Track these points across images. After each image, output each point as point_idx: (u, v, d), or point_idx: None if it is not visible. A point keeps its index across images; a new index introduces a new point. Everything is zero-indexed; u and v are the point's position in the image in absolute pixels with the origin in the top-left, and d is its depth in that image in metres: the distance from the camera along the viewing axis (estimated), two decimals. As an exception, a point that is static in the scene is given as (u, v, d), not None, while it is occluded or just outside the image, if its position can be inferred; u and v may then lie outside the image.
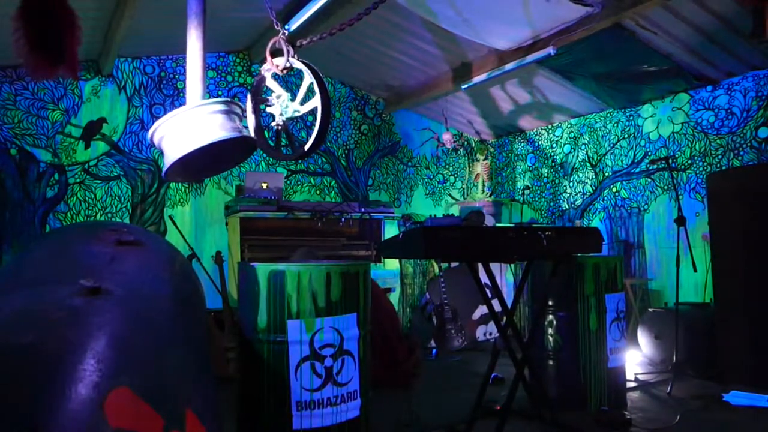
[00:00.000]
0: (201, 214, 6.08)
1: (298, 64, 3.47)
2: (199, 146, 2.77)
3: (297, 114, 3.58)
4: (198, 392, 1.64)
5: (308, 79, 3.44)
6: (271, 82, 3.70)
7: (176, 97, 5.96)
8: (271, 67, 3.61)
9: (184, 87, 5.94)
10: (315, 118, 3.36)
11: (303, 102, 3.57)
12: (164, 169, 2.90)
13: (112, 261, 1.90)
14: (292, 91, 3.72)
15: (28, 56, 2.06)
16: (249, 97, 3.75)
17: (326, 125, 3.36)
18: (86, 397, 1.19)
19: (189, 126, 2.83)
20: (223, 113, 2.92)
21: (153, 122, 5.69)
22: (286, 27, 3.84)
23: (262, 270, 2.61)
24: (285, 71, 3.58)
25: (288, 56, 3.48)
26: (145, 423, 1.23)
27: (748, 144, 5.20)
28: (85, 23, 4.51)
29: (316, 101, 3.36)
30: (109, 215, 5.63)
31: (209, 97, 3.29)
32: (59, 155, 5.42)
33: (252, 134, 3.76)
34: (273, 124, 3.66)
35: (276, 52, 3.60)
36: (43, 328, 1.38)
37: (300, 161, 6.62)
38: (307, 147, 3.37)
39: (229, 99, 3.10)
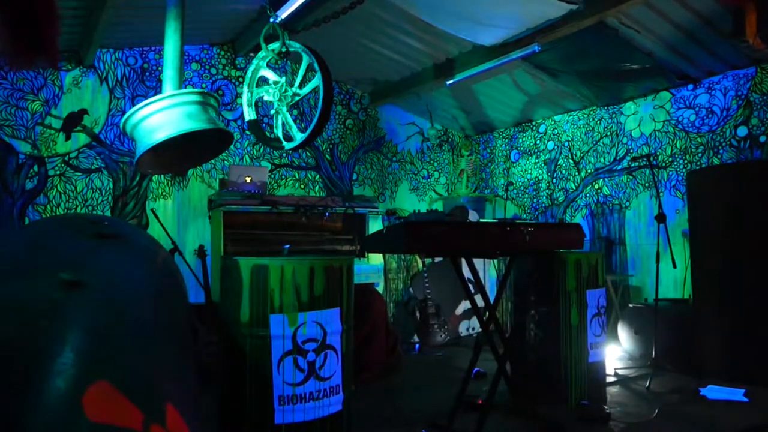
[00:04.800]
0: (184, 208, 6.03)
1: (295, 45, 3.44)
2: (171, 136, 2.72)
3: (297, 98, 3.54)
4: (179, 386, 1.63)
5: (307, 59, 3.40)
6: (265, 71, 3.66)
7: (159, 90, 5.88)
8: (266, 53, 3.57)
9: (167, 79, 5.90)
10: (310, 107, 3.35)
11: (302, 84, 3.53)
12: (135, 159, 2.85)
13: (92, 254, 1.88)
14: (288, 77, 3.68)
15: (5, 45, 2.03)
16: (245, 88, 3.70)
17: (330, 104, 3.33)
18: (64, 391, 1.18)
19: (161, 116, 2.78)
20: (198, 104, 2.86)
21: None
22: (277, 14, 3.81)
23: (245, 264, 2.60)
24: (281, 55, 3.54)
25: (284, 39, 3.45)
26: (124, 417, 1.22)
27: (728, 142, 5.27)
28: (66, 12, 4.47)
29: (316, 80, 3.33)
30: (90, 208, 5.56)
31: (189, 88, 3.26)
32: (39, 147, 5.34)
33: (247, 126, 3.72)
34: (272, 111, 3.62)
35: (270, 38, 3.56)
36: (20, 321, 1.36)
37: (285, 155, 6.59)
38: (313, 123, 3.32)
39: (205, 90, 3.04)
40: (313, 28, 3.69)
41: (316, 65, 3.31)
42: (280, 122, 3.64)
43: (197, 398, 1.90)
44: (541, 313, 3.81)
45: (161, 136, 2.71)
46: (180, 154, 3.06)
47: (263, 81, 3.71)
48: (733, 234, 4.35)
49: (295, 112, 6.53)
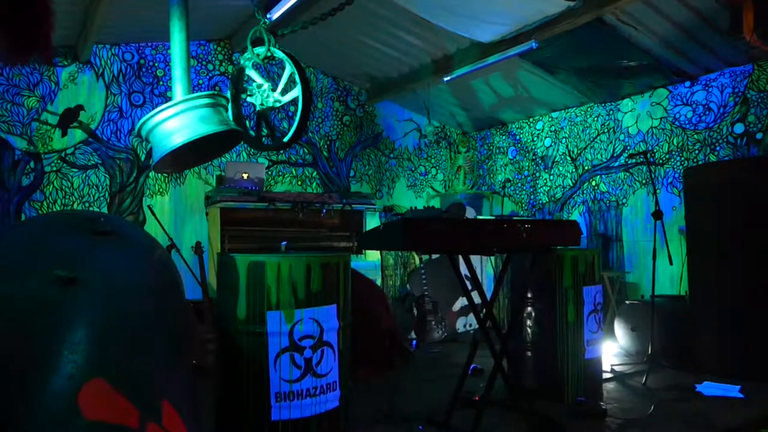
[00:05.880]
0: (181, 204, 6.02)
1: (279, 54, 3.45)
2: (188, 140, 2.79)
3: (278, 104, 3.56)
4: (175, 383, 1.63)
5: (289, 69, 3.42)
6: (251, 72, 3.66)
7: (155, 85, 5.88)
8: (251, 56, 3.58)
9: (164, 75, 5.89)
10: (296, 109, 3.35)
11: (284, 92, 3.54)
12: (153, 162, 2.91)
13: (89, 251, 1.87)
14: (274, 80, 3.70)
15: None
16: (230, 86, 3.72)
17: (306, 116, 3.35)
18: (60, 388, 1.18)
19: (177, 120, 2.85)
20: (210, 107, 2.93)
21: (132, 111, 5.61)
22: (268, 16, 3.81)
23: (242, 261, 2.60)
24: (266, 60, 3.55)
25: (269, 45, 3.46)
26: (120, 414, 1.22)
27: (724, 139, 5.28)
28: (62, 8, 4.45)
29: (296, 91, 3.35)
30: (87, 204, 5.55)
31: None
32: (35, 143, 5.32)
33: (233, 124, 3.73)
34: (253, 113, 3.64)
35: (257, 41, 3.57)
36: (16, 318, 1.36)
37: (282, 152, 6.58)
38: (286, 138, 3.36)
39: (215, 92, 3.13)
40: (301, 31, 3.68)
41: (297, 76, 3.32)
42: (262, 125, 3.67)
43: (194, 395, 1.90)
44: (538, 310, 3.81)
45: (178, 140, 2.79)
46: (192, 153, 3.11)
47: (249, 83, 3.72)
48: (729, 231, 4.37)
49: (292, 108, 6.51)
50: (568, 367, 3.70)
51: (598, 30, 4.73)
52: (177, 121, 2.84)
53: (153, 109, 3.14)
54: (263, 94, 3.53)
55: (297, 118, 3.32)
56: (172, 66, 3.16)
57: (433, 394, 3.87)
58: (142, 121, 2.93)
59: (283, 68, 3.51)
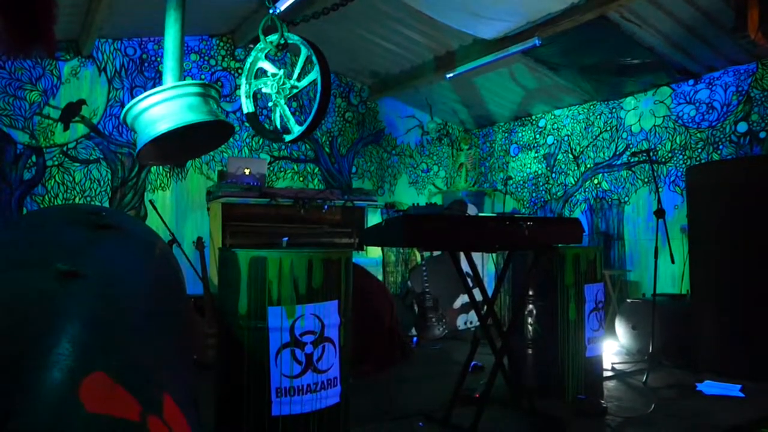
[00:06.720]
0: (182, 199, 6.01)
1: (294, 38, 3.42)
2: (172, 128, 2.72)
3: (295, 90, 3.52)
4: (176, 378, 1.63)
5: (305, 52, 3.39)
6: (263, 63, 3.64)
7: (158, 80, 5.86)
8: (265, 45, 3.55)
9: (166, 70, 5.88)
10: (309, 99, 3.32)
11: (300, 77, 3.51)
12: (136, 151, 2.85)
13: (90, 245, 1.87)
14: (287, 70, 3.66)
15: (2, 34, 2.01)
16: (243, 80, 3.69)
17: (327, 95, 3.31)
18: (61, 381, 1.18)
19: (162, 107, 2.77)
20: (199, 96, 2.86)
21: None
22: (275, 7, 3.79)
23: (243, 256, 2.60)
24: (280, 47, 3.52)
25: (282, 31, 3.43)
26: (121, 408, 1.22)
27: (728, 138, 5.27)
28: (64, 1, 4.43)
29: (315, 74, 3.31)
30: (88, 199, 5.55)
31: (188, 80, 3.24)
32: (37, 137, 5.32)
33: (245, 119, 3.69)
34: (270, 104, 3.61)
35: (268, 30, 3.54)
36: (17, 312, 1.36)
37: (284, 147, 6.57)
38: (309, 119, 3.31)
39: (205, 81, 3.04)
40: (312, 20, 3.67)
41: (314, 58, 3.29)
42: (278, 115, 3.63)
43: (194, 389, 1.90)
44: (539, 308, 3.81)
45: (162, 128, 2.71)
46: (181, 146, 3.06)
47: (261, 73, 3.70)
48: (731, 230, 4.36)
49: (294, 104, 6.51)
50: (568, 365, 3.70)
51: (601, 27, 4.71)
52: (163, 108, 2.73)
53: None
54: (279, 82, 3.50)
55: (317, 99, 3.27)
56: (164, 57, 3.10)
57: (434, 391, 3.86)
58: (127, 107, 2.85)
59: (296, 57, 3.48)
